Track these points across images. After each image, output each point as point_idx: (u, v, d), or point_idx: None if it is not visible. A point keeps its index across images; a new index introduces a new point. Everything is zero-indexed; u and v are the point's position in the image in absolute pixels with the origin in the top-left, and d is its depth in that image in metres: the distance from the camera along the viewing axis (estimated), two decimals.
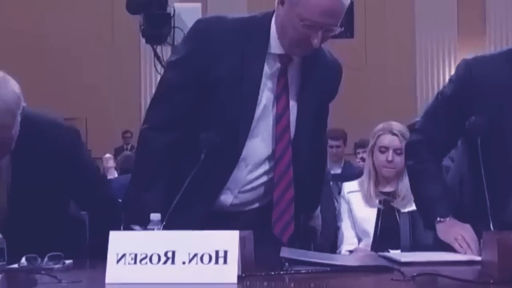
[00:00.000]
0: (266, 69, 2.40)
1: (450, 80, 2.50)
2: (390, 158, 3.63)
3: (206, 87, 2.37)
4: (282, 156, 2.42)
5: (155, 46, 5.75)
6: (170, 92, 2.43)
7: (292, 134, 2.44)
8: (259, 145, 2.42)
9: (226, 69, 2.35)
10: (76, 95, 13.02)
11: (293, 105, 2.44)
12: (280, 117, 2.41)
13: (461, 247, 2.30)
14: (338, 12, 2.29)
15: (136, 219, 2.24)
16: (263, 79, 2.39)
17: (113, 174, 8.94)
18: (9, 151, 2.38)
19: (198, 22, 2.45)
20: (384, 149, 3.66)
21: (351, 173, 5.58)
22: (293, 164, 2.43)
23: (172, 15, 5.57)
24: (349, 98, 10.43)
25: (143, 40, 6.17)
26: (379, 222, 3.57)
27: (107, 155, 10.14)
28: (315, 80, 2.45)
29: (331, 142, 6.52)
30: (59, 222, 2.57)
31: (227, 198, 2.44)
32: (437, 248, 2.41)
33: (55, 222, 2.54)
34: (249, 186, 2.45)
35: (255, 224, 2.36)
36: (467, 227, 2.36)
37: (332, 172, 6.16)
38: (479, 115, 2.32)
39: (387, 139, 3.68)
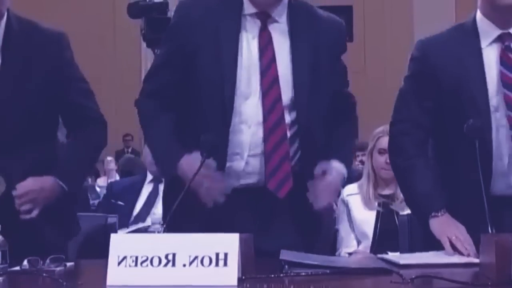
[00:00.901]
0: (246, 30, 2.44)
1: (409, 62, 2.57)
2: (389, 160, 3.64)
3: (189, 58, 2.44)
4: (271, 109, 2.41)
5: (156, 50, 5.75)
6: (158, 68, 2.54)
7: (291, 92, 2.43)
8: (256, 105, 2.43)
9: (204, 38, 2.42)
10: None
11: (286, 65, 2.44)
12: (266, 71, 2.42)
13: (453, 249, 2.31)
14: None
15: (161, 161, 2.50)
16: (245, 40, 2.43)
17: (114, 177, 8.96)
18: None
19: (178, 2, 2.56)
20: (383, 151, 3.67)
21: (350, 176, 5.59)
22: (297, 122, 2.43)
23: None
24: None
25: (144, 44, 6.18)
26: (378, 224, 3.59)
27: (109, 158, 10.15)
28: (308, 34, 2.45)
29: None
30: (47, 142, 2.57)
31: (238, 164, 2.43)
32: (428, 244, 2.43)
33: (42, 140, 2.54)
34: (257, 150, 2.43)
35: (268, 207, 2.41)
36: (461, 228, 2.37)
37: None
38: (442, 87, 2.44)
39: (386, 141, 3.69)
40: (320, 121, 2.47)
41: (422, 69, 2.51)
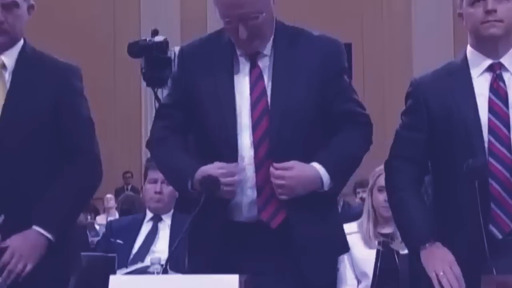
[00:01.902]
0: (239, 70, 2.50)
1: (405, 100, 2.61)
2: None
3: (190, 101, 2.52)
4: (261, 141, 2.44)
5: (155, 89, 5.78)
6: (166, 107, 2.63)
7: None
8: (247, 138, 2.45)
9: (201, 82, 2.50)
10: None
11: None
12: (255, 105, 2.46)
13: (440, 284, 2.32)
14: (244, 1, 2.39)
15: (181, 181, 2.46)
16: (236, 80, 2.49)
17: (114, 215, 8.92)
18: (5, 31, 2.50)
19: (179, 48, 2.67)
20: (382, 188, 3.67)
21: (349, 214, 5.58)
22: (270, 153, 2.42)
23: (172, 58, 5.63)
24: None
25: (144, 83, 6.21)
26: (378, 263, 3.57)
27: (108, 195, 10.13)
28: (290, 61, 2.47)
29: None
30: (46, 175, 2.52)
31: (240, 197, 2.45)
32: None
33: (42, 172, 2.51)
34: (253, 182, 2.45)
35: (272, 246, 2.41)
36: (450, 259, 2.38)
37: None
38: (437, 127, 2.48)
39: None
40: (293, 151, 2.44)
41: (415, 102, 2.56)
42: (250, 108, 2.46)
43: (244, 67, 2.50)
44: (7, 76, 2.53)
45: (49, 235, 2.45)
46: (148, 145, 2.64)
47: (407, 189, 2.52)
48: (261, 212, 2.44)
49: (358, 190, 7.78)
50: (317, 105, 2.48)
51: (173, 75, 2.64)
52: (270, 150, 2.42)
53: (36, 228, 2.45)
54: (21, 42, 2.58)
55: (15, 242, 2.41)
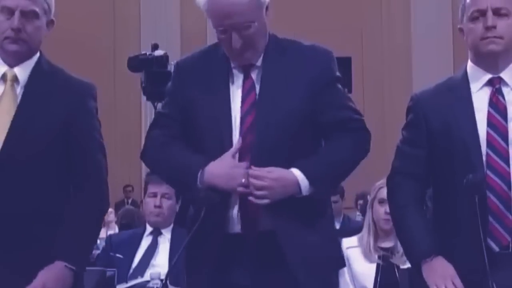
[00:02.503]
0: (233, 82, 2.51)
1: (405, 115, 2.62)
2: (388, 210, 3.63)
3: (187, 113, 2.52)
4: (244, 154, 2.43)
5: (156, 103, 5.80)
6: (162, 116, 2.61)
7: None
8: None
9: (197, 96, 2.49)
10: None
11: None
12: (245, 117, 2.46)
13: None
14: (235, 10, 2.39)
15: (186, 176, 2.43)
16: (231, 92, 2.49)
17: (113, 229, 8.90)
18: (23, 40, 2.47)
19: (175, 63, 2.67)
20: (382, 201, 3.68)
21: (350, 228, 5.57)
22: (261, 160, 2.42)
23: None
24: None
25: (144, 97, 6.22)
26: (379, 278, 3.57)
27: (109, 209, 10.10)
28: (279, 73, 2.47)
29: None
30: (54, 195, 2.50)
31: (233, 210, 2.45)
32: None
33: (50, 192, 2.49)
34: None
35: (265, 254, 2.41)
36: (451, 273, 2.39)
37: None
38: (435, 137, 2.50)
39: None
40: (276, 163, 2.42)
41: (415, 117, 2.57)
42: (240, 120, 2.46)
43: (238, 79, 2.51)
44: (19, 90, 2.51)
45: (73, 267, 2.47)
46: (146, 152, 2.61)
47: (409, 205, 2.54)
48: (244, 226, 2.43)
49: (359, 201, 7.78)
50: (308, 115, 2.47)
51: (168, 89, 2.62)
52: (251, 163, 2.41)
53: (60, 262, 2.45)
54: (37, 55, 2.56)
55: (43, 277, 2.41)
